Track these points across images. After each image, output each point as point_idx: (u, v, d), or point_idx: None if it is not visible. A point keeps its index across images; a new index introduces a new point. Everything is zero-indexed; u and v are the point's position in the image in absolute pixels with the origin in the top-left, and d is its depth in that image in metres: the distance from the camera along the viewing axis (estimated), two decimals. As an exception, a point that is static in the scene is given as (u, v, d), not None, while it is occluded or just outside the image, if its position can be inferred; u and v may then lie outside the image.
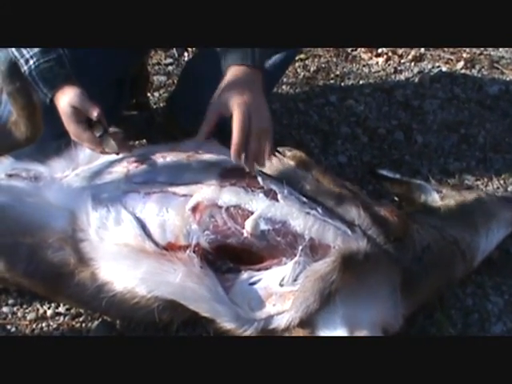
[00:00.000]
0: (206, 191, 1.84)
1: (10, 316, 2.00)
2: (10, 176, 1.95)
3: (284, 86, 2.88)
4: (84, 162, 2.00)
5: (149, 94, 2.76)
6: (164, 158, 1.96)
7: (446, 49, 3.19)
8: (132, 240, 1.78)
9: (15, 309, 2.02)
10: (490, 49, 3.20)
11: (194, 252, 1.75)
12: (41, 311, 2.01)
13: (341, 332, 1.73)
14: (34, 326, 1.98)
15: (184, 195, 1.84)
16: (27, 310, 2.02)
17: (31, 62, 1.86)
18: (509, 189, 2.51)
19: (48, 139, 1.88)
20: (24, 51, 1.86)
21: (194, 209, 1.81)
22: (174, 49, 2.96)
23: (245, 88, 1.86)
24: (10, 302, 2.03)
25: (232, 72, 1.91)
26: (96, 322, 1.98)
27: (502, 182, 2.54)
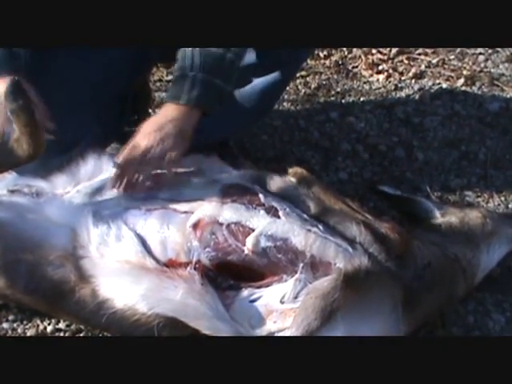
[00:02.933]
0: (206, 208, 1.83)
1: (10, 332, 1.98)
2: (12, 192, 1.95)
3: (285, 103, 2.88)
4: (85, 178, 1.99)
5: (150, 111, 2.75)
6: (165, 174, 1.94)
7: (446, 66, 3.19)
8: (133, 256, 1.77)
9: (15, 325, 2.00)
10: (490, 66, 3.20)
11: (194, 269, 1.74)
12: (41, 327, 2.00)
13: (342, 349, 1.72)
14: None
15: (185, 212, 1.83)
16: (27, 326, 2.00)
17: None
18: (510, 205, 2.49)
19: (50, 155, 1.86)
20: None
21: (195, 225, 1.80)
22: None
23: (156, 132, 1.86)
24: (11, 317, 2.02)
25: (165, 106, 1.92)
26: (96, 339, 1.97)
27: (502, 198, 2.52)
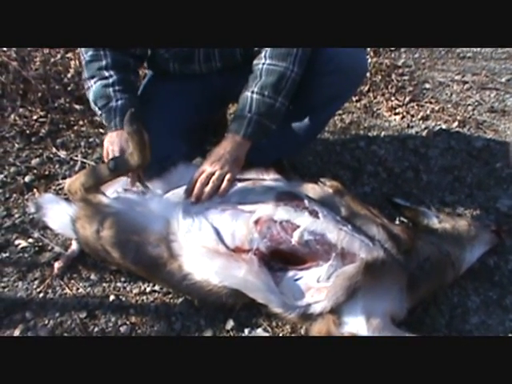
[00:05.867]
0: (265, 209, 1.77)
1: (121, 289, 1.97)
2: (126, 190, 1.92)
3: (326, 134, 2.81)
4: (176, 183, 1.94)
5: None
6: (235, 183, 1.90)
7: (445, 112, 3.09)
8: (209, 243, 1.72)
9: (125, 284, 1.98)
10: (477, 114, 3.09)
11: (254, 254, 1.70)
12: (142, 288, 1.97)
13: (360, 318, 1.66)
14: (137, 298, 1.94)
15: (249, 211, 1.78)
16: (133, 286, 1.98)
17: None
18: (489, 217, 2.38)
19: (152, 165, 1.86)
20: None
21: (256, 222, 1.74)
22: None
23: (218, 161, 1.85)
24: (122, 279, 2.00)
25: (227, 137, 1.90)
26: (180, 299, 1.93)
27: (483, 211, 2.42)
